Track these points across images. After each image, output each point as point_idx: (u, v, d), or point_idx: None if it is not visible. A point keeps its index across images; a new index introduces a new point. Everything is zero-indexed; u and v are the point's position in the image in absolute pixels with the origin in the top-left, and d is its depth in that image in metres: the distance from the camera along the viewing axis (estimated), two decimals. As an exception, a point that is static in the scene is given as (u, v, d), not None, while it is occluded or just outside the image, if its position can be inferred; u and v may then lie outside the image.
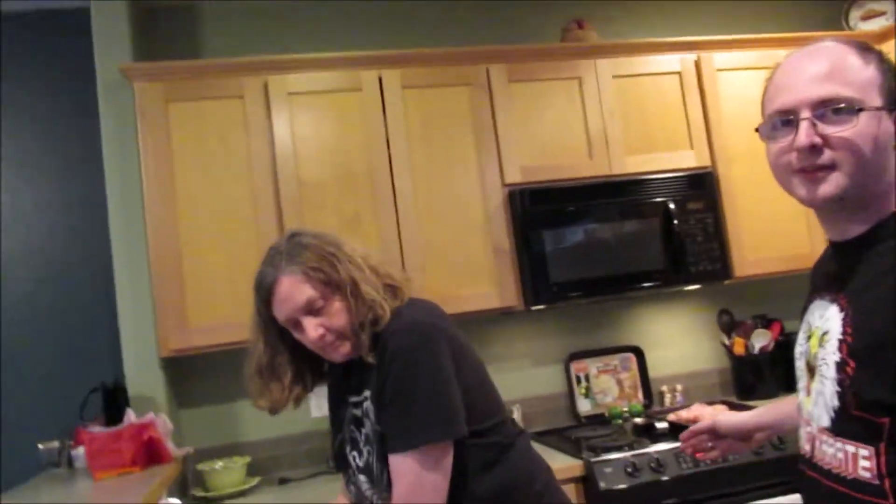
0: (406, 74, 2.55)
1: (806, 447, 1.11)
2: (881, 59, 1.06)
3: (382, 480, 1.42)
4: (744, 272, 2.75)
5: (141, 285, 2.41)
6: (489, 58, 2.64)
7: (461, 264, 2.54)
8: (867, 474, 0.97)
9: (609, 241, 2.62)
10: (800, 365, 1.14)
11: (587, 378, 2.92)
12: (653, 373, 2.98)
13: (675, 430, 2.46)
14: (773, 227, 2.79)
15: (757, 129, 1.13)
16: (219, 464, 2.48)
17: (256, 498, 2.37)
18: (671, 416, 2.62)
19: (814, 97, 1.03)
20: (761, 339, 2.93)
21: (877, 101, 1.02)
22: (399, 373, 1.35)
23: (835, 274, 1.09)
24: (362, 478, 1.49)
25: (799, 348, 1.14)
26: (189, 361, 2.55)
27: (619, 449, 2.32)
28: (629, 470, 2.23)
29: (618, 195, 2.64)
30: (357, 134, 2.51)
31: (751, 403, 2.79)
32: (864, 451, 0.98)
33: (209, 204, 2.39)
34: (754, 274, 2.77)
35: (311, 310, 1.41)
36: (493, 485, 1.42)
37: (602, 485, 2.20)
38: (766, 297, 3.10)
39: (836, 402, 1.01)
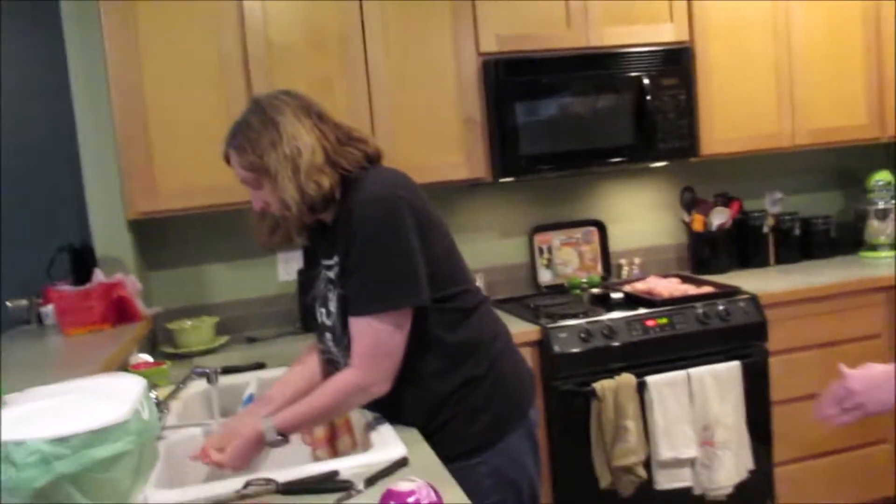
0: (380, -69, 2.42)
1: None
2: None
3: (343, 340, 1.52)
4: (711, 150, 2.79)
5: (106, 148, 2.37)
6: (469, -83, 2.50)
7: (431, 134, 2.53)
8: None
9: (581, 116, 2.62)
10: None
11: (549, 250, 3.00)
12: (613, 246, 3.07)
13: (629, 301, 2.60)
14: (744, 107, 2.80)
15: None
16: (188, 323, 2.55)
17: (225, 354, 2.46)
18: (626, 287, 2.74)
19: None
20: (720, 217, 3.01)
21: None
22: (363, 241, 1.41)
23: None
24: (328, 335, 1.59)
25: None
26: (158, 224, 2.56)
27: (574, 316, 2.44)
28: (582, 336, 2.36)
29: (593, 68, 2.61)
30: (328, -7, 2.40)
31: (705, 277, 2.91)
32: None
33: (175, 66, 2.31)
34: (721, 153, 2.82)
35: (249, 185, 1.51)
36: (456, 343, 1.52)
37: (556, 348, 2.33)
38: (730, 176, 3.17)
39: None
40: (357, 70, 2.43)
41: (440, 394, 1.52)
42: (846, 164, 3.32)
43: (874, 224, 3.09)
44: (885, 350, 2.69)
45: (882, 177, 3.11)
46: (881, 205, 3.06)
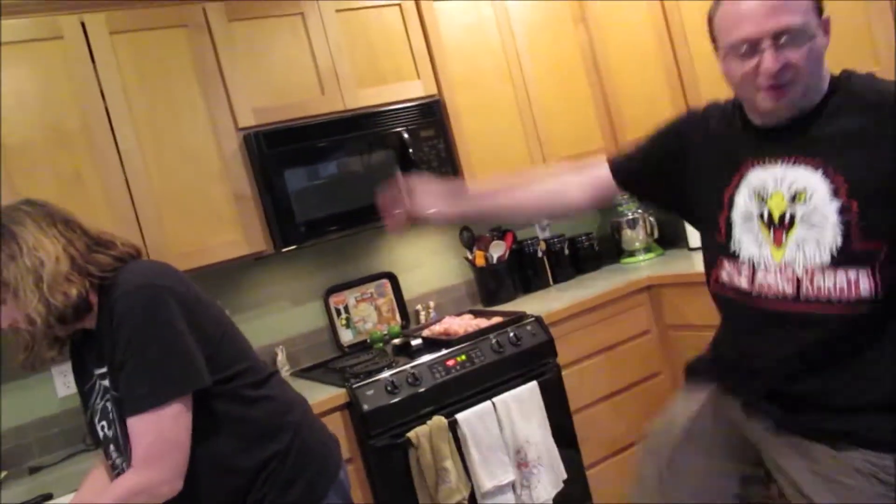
0: (112, 18, 2.34)
1: (787, 288, 1.34)
2: None
3: (128, 448, 1.43)
4: (476, 191, 2.98)
5: None
6: (203, -4, 2.52)
7: (203, 215, 2.47)
8: (866, 292, 1.26)
9: (351, 175, 2.69)
10: (749, 226, 1.39)
11: (346, 309, 3.03)
12: (407, 294, 3.16)
13: (429, 345, 2.68)
14: (497, 148, 3.04)
15: (718, 55, 1.39)
16: (-47, 466, 2.25)
17: (3, 493, 2.19)
18: (425, 332, 2.83)
19: (772, 28, 1.26)
20: (498, 250, 3.23)
21: (814, 21, 1.29)
22: (127, 336, 1.35)
23: (781, 146, 1.35)
24: (111, 447, 1.50)
25: (744, 209, 1.39)
26: None
27: (378, 371, 2.47)
28: (389, 388, 2.39)
29: (354, 129, 2.70)
30: (65, 87, 2.28)
31: (495, 308, 3.10)
32: (863, 274, 1.26)
33: None
34: (486, 192, 3.02)
35: None
36: (251, 421, 1.49)
37: (365, 407, 2.34)
38: (499, 210, 3.41)
39: (839, 241, 1.27)
40: (109, 161, 2.32)
41: (245, 475, 1.47)
42: (596, 185, 3.70)
43: (628, 233, 3.47)
44: (656, 343, 3.02)
45: (626, 191, 3.50)
46: (630, 215, 3.45)
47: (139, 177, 2.36)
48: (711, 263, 1.52)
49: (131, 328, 1.35)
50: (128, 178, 2.35)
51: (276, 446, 1.50)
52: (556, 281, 3.40)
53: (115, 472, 1.52)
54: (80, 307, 1.39)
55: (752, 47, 1.29)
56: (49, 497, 1.95)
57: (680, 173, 1.56)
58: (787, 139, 1.36)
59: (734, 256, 1.43)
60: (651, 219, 3.43)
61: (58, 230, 1.43)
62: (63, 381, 2.51)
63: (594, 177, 1.70)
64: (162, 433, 1.33)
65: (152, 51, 2.42)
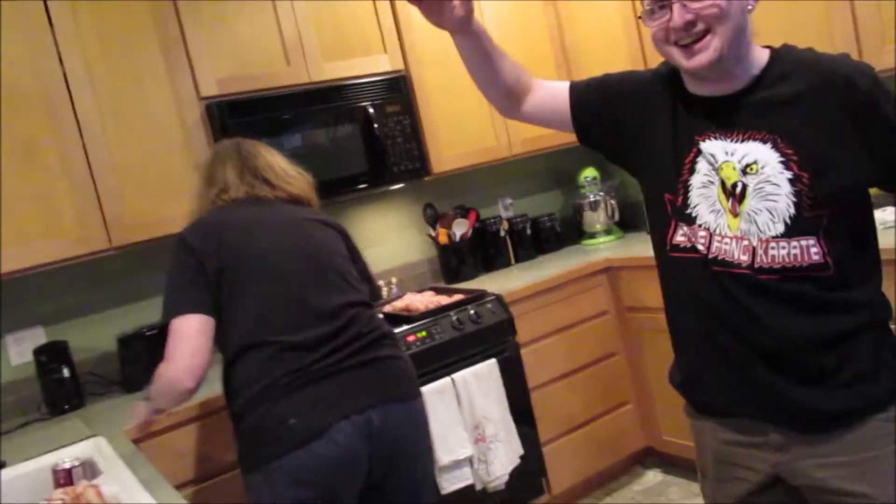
0: (71, -20, 2.29)
1: (742, 257, 1.31)
2: None
3: None
4: (441, 168, 3.00)
5: None
6: (167, -38, 2.46)
7: (163, 186, 2.43)
8: (817, 257, 1.26)
9: (316, 148, 2.68)
10: (707, 192, 1.34)
11: (308, 283, 3.02)
12: (370, 270, 3.17)
13: (390, 320, 2.68)
14: (463, 126, 3.05)
15: (639, 17, 1.33)
16: None
17: (-43, 462, 2.16)
18: (387, 308, 2.84)
19: None
20: (461, 228, 3.25)
21: None
22: None
23: (727, 120, 1.31)
24: None
25: (702, 179, 1.35)
26: None
27: (339, 346, 2.48)
28: (350, 363, 2.41)
29: (319, 102, 2.68)
30: (21, 50, 2.21)
31: (457, 286, 3.12)
32: (811, 242, 1.26)
33: None
34: (450, 169, 3.04)
35: None
36: (230, 372, 1.82)
37: (326, 381, 2.35)
38: (464, 188, 3.43)
39: (791, 211, 1.26)
40: (67, 129, 2.26)
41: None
42: (560, 165, 3.74)
43: (589, 215, 3.52)
44: (613, 323, 3.08)
45: (589, 173, 3.55)
46: (592, 197, 3.50)
47: (98, 145, 2.32)
48: (665, 227, 1.44)
49: None
50: (86, 146, 2.30)
51: (234, 407, 1.80)
52: (517, 260, 3.43)
53: None
54: None
55: (663, 4, 1.26)
56: (2, 465, 1.92)
57: (636, 126, 1.47)
58: (732, 112, 1.32)
59: (691, 220, 1.38)
60: (612, 202, 3.48)
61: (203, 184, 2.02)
62: (16, 350, 2.47)
63: (554, 87, 1.56)
64: (173, 339, 1.72)
65: (114, 16, 2.36)
